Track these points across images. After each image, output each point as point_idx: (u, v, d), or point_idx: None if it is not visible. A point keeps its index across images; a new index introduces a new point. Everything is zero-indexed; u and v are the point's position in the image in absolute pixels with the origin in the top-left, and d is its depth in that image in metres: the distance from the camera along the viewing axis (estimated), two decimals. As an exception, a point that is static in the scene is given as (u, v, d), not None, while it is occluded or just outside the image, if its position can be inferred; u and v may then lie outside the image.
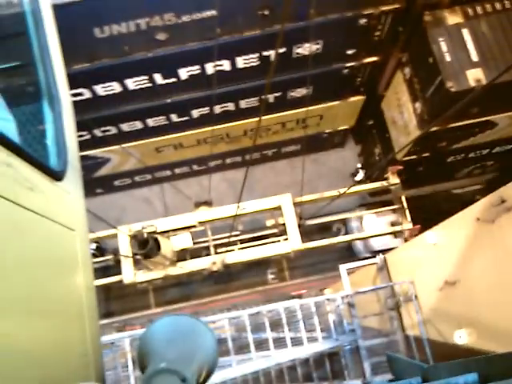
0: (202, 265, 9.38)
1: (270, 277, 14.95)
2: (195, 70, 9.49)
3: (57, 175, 1.92)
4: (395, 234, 11.50)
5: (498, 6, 9.02)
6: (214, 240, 9.90)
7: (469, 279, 5.37)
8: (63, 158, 2.07)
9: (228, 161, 14.69)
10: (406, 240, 10.07)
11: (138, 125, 11.18)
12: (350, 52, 10.10)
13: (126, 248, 9.08)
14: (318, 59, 9.62)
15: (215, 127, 10.01)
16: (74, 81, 8.48)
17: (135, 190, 15.42)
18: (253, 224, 11.93)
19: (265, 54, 9.37)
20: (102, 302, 13.56)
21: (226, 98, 10.71)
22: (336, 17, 8.74)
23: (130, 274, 9.21)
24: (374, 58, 10.47)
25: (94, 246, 12.32)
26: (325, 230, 13.27)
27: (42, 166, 1.78)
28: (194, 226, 9.40)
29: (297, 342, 6.95)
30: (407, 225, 9.87)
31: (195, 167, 14.72)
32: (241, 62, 9.55)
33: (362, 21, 9.01)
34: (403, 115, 11.10)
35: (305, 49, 9.36)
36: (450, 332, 5.71)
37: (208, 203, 9.66)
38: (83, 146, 10.41)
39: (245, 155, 14.28)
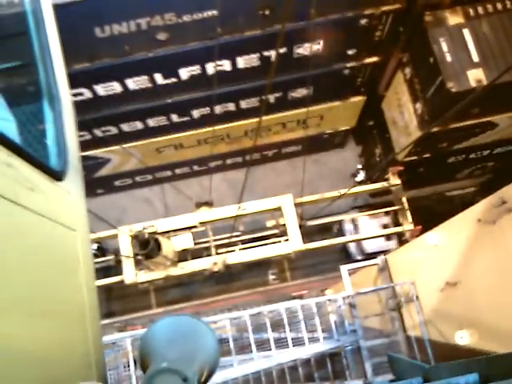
0: (203, 265, 9.38)
1: (271, 277, 14.94)
2: (196, 69, 9.50)
3: (57, 175, 1.92)
4: (389, 237, 11.53)
5: (499, 6, 9.02)
6: (214, 240, 9.88)
7: (470, 280, 5.36)
8: (64, 157, 2.06)
9: (228, 161, 14.70)
10: (402, 242, 10.06)
11: (139, 125, 11.19)
12: (350, 52, 10.10)
13: (127, 248, 9.08)
14: (319, 59, 9.63)
15: (216, 127, 10.03)
16: (75, 80, 8.50)
17: (136, 191, 15.44)
18: (254, 224, 11.92)
19: (265, 54, 9.38)
20: (103, 302, 13.55)
21: (227, 98, 10.72)
22: (337, 17, 8.76)
23: (131, 274, 9.21)
24: (375, 59, 10.48)
25: (95, 246, 12.36)
26: (325, 230, 13.26)
27: (43, 166, 1.77)
28: (194, 227, 9.40)
29: (298, 342, 6.95)
30: (408, 226, 9.84)
31: (196, 167, 14.73)
32: (241, 62, 9.56)
33: (363, 21, 9.02)
34: (404, 116, 11.09)
35: (305, 49, 9.36)
36: (452, 332, 5.70)
37: (209, 204, 9.66)
38: (84, 146, 10.40)
39: (245, 156, 14.29)
